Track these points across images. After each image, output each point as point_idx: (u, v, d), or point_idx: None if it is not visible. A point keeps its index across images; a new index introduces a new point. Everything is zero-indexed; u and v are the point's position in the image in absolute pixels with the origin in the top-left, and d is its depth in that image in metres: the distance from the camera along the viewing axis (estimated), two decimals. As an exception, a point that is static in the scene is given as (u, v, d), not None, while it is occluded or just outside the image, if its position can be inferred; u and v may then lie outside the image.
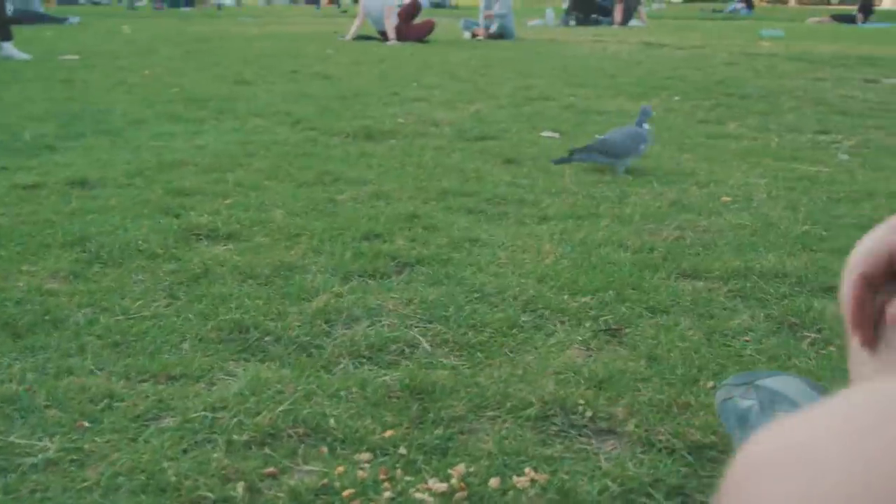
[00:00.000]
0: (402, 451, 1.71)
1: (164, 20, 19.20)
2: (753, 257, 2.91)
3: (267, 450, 1.72)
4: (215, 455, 1.69)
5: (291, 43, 12.82)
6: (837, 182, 4.12)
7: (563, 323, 2.38)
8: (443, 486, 1.58)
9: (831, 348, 2.23)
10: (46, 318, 2.34)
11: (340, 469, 1.64)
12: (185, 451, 1.71)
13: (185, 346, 2.20)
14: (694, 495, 1.59)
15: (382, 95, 6.99)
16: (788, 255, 2.94)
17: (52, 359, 2.10)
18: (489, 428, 1.81)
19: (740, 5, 29.13)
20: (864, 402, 0.49)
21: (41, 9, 18.81)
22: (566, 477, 1.62)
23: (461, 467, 1.63)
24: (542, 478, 1.61)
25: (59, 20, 17.59)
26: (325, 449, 1.72)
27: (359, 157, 4.56)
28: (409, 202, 3.62)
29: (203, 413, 1.84)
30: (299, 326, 2.31)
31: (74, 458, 1.69)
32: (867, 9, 22.66)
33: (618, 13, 19.23)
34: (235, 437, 1.75)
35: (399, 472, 1.64)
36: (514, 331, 2.31)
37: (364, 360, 2.13)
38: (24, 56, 9.44)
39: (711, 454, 1.71)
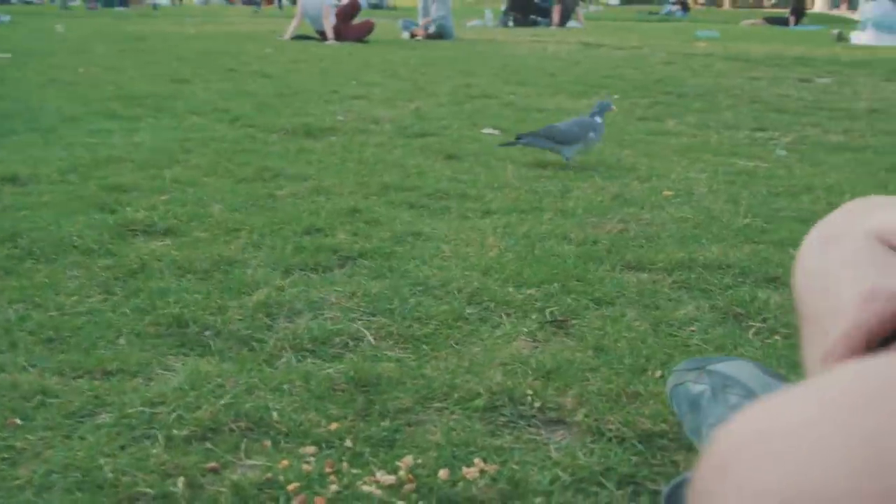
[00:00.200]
0: (348, 443, 1.66)
1: (98, 19, 18.89)
2: (697, 249, 2.91)
3: (208, 444, 1.66)
4: (154, 451, 1.63)
5: (229, 42, 12.68)
6: (776, 176, 4.15)
7: (508, 315, 2.35)
8: (391, 479, 1.54)
9: (776, 337, 2.23)
10: (-24, 314, 2.26)
11: (285, 463, 1.59)
12: (122, 448, 1.65)
13: (122, 341, 2.13)
14: (645, 483, 1.57)
15: (322, 93, 6.92)
16: (731, 247, 2.95)
17: (-18, 355, 2.02)
18: (437, 419, 1.78)
19: (675, 7, 29.48)
20: (854, 380, 0.47)
21: (-30, 7, 18.40)
22: (516, 467, 1.59)
23: (409, 459, 1.60)
24: (491, 468, 1.58)
25: (-11, 19, 17.23)
26: (268, 443, 1.67)
27: (298, 154, 4.50)
28: (351, 197, 3.57)
29: (141, 408, 1.78)
30: (240, 320, 2.25)
31: (6, 456, 1.62)
32: (799, 12, 23.07)
33: (556, 14, 19.32)
34: (175, 432, 1.69)
35: (345, 464, 1.59)
36: (459, 323, 2.28)
37: (307, 354, 2.08)
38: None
39: (662, 442, 1.69)
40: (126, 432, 1.70)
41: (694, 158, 4.58)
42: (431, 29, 14.37)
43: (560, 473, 1.57)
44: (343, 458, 1.62)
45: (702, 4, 46.40)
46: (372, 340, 2.17)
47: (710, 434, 1.52)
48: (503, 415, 1.80)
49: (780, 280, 2.64)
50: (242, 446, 1.66)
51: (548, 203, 3.53)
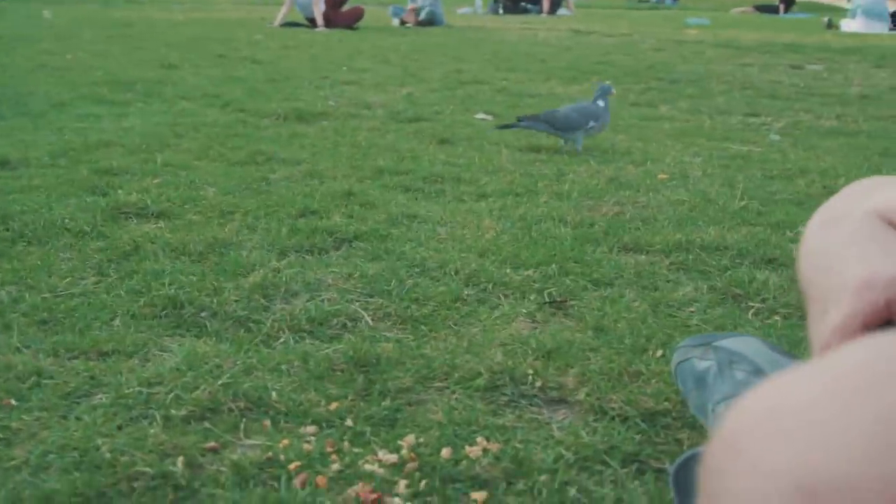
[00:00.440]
0: (349, 423, 1.65)
1: (85, 5, 18.75)
2: (694, 231, 2.89)
3: (207, 424, 1.64)
4: (152, 430, 1.61)
5: (218, 28, 12.61)
6: (770, 160, 4.14)
7: (506, 296, 2.33)
8: (393, 458, 1.52)
9: (776, 317, 2.22)
10: (-32, 296, 2.23)
11: (285, 442, 1.57)
12: (119, 428, 1.63)
13: (117, 322, 2.11)
14: (649, 462, 1.55)
15: (313, 79, 6.89)
16: (728, 229, 2.94)
17: (-25, 337, 2.00)
18: (438, 399, 1.76)
19: (665, -5, 29.40)
20: (866, 358, 0.46)
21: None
22: (519, 446, 1.57)
23: (411, 438, 1.58)
24: (494, 447, 1.56)
25: (-25, 5, 17.10)
26: (268, 423, 1.65)
27: (291, 138, 4.48)
28: (345, 180, 3.55)
29: (138, 388, 1.76)
30: (236, 301, 2.23)
31: (1, 436, 1.60)
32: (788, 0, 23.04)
33: (546, 2, 19.28)
34: (173, 412, 1.67)
35: (346, 444, 1.58)
36: (457, 304, 2.26)
37: (305, 334, 2.06)
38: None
39: (665, 421, 1.68)
40: (123, 412, 1.68)
41: (688, 143, 4.56)
42: (422, 16, 14.32)
43: (563, 452, 1.56)
44: (344, 437, 1.60)
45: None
46: (370, 321, 2.15)
47: (716, 411, 1.50)
48: (504, 394, 1.78)
49: (777, 261, 2.63)
50: (242, 426, 1.64)
51: (543, 186, 3.51)
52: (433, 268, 2.51)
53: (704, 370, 1.60)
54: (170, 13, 16.77)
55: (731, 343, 1.60)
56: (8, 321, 2.09)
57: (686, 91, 6.65)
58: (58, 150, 3.99)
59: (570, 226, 2.95)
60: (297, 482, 1.46)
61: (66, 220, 2.85)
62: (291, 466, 1.49)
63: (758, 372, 1.50)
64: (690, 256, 2.66)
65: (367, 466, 1.50)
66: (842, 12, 17.87)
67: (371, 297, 2.30)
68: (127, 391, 1.75)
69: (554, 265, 2.53)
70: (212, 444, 1.57)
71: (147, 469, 1.48)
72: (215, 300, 2.23)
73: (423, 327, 2.11)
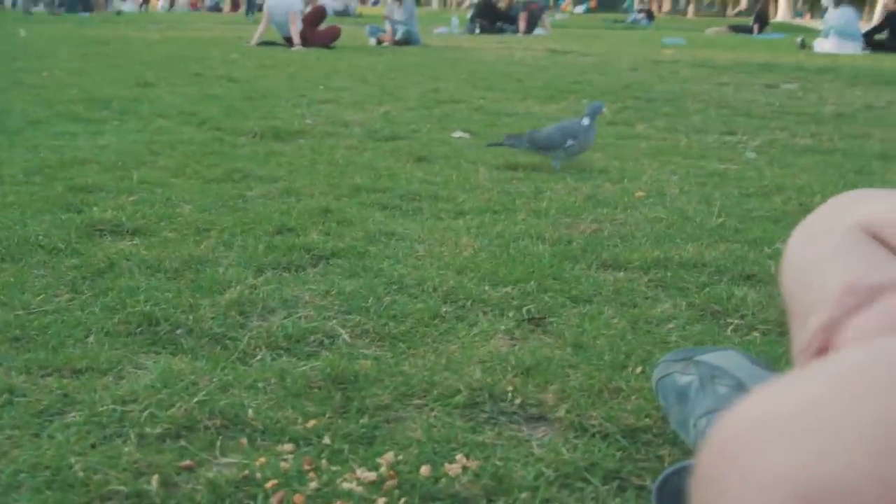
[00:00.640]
0: (327, 440, 1.63)
1: (61, 25, 18.69)
2: (672, 248, 2.89)
3: (182, 442, 1.62)
4: (126, 449, 1.58)
5: (194, 47, 12.58)
6: (747, 178, 4.16)
7: (485, 313, 2.32)
8: (371, 475, 1.50)
9: (755, 333, 2.22)
10: (-61, 313, 2.20)
11: (262, 460, 1.55)
12: (93, 446, 1.60)
13: (91, 339, 2.08)
14: (631, 479, 1.54)
15: (290, 97, 6.87)
16: (706, 246, 2.94)
17: (-54, 355, 1.97)
18: (416, 416, 1.74)
19: (641, 16, 29.67)
20: (862, 363, 0.45)
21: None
22: (499, 463, 1.56)
23: (390, 455, 1.56)
24: (474, 464, 1.54)
25: (-50, 24, 17.00)
26: (244, 440, 1.63)
27: (267, 156, 4.46)
28: (322, 198, 3.53)
29: (112, 406, 1.73)
30: (212, 318, 2.20)
31: (-29, 455, 1.57)
32: (762, 20, 23.25)
33: (522, 21, 19.39)
34: (148, 430, 1.65)
35: (324, 462, 1.55)
36: (436, 321, 2.25)
37: (282, 352, 2.04)
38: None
39: (646, 437, 1.66)
40: (97, 430, 1.65)
41: (665, 161, 4.58)
42: (398, 35, 14.35)
43: (544, 469, 1.54)
44: (322, 455, 1.58)
45: (666, 13, 46.79)
46: (347, 338, 2.13)
47: (699, 425, 1.49)
48: (484, 411, 1.77)
49: (756, 277, 2.63)
50: (218, 444, 1.62)
51: (521, 204, 3.51)
52: (411, 285, 2.49)
53: (686, 385, 1.59)
54: (146, 32, 16.75)
55: (712, 357, 1.60)
56: (-21, 339, 2.06)
57: (662, 110, 6.68)
58: (33, 167, 3.96)
59: (549, 243, 2.95)
60: (273, 501, 1.44)
61: (41, 237, 2.82)
62: (268, 485, 1.47)
63: (740, 386, 1.50)
64: (669, 273, 2.65)
65: (346, 485, 1.48)
66: (814, 33, 18.04)
67: (349, 314, 2.28)
68: (101, 409, 1.72)
69: (532, 282, 2.52)
70: (187, 462, 1.55)
71: (121, 488, 1.46)
72: (191, 317, 2.20)
73: (401, 344, 2.09)
